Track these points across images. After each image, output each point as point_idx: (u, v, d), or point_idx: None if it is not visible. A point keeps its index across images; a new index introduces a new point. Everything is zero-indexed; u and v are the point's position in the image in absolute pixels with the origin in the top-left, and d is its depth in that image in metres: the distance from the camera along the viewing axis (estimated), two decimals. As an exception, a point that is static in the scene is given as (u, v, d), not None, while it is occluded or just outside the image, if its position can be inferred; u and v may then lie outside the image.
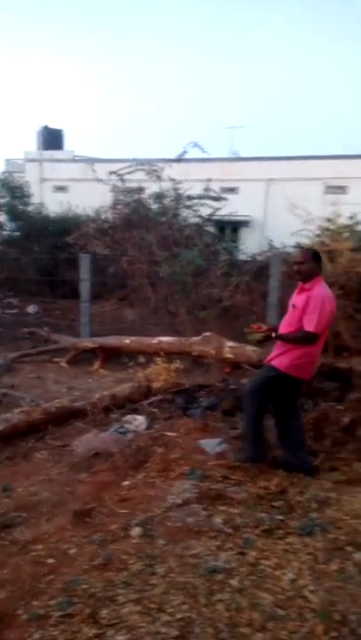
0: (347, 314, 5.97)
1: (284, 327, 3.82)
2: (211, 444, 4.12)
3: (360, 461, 3.78)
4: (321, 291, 3.69)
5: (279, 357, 3.74)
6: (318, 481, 3.60)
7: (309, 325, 3.59)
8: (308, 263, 3.73)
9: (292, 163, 15.27)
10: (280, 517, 3.07)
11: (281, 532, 2.94)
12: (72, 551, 2.83)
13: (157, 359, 5.86)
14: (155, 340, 6.72)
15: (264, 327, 3.90)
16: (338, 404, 4.30)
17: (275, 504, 3.26)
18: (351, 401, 4.24)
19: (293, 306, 3.75)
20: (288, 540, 2.86)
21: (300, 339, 3.64)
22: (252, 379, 4.01)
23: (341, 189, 13.98)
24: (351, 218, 9.37)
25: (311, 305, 3.61)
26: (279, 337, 3.76)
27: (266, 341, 3.96)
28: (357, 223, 9.44)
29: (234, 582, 2.52)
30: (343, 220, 9.12)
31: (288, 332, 3.74)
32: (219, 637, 2.19)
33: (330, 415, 4.17)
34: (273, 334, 3.80)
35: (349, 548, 2.77)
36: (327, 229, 8.95)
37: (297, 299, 3.76)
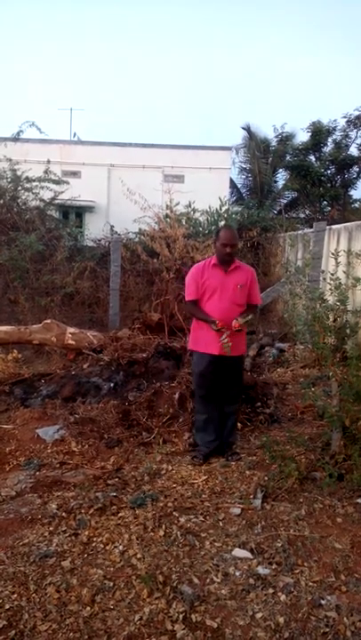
0: (181, 296, 6.30)
1: (232, 308, 3.59)
2: (49, 432, 4.07)
3: (190, 432, 4.05)
4: (247, 265, 3.91)
5: (239, 346, 3.69)
6: (152, 454, 3.80)
7: (257, 298, 3.78)
8: (238, 243, 3.78)
9: (132, 149, 15.46)
10: (114, 494, 3.18)
11: (114, 507, 3.05)
12: None
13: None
14: (-10, 331, 6.34)
15: (226, 328, 3.48)
16: (172, 381, 4.54)
17: (110, 482, 3.36)
18: (181, 376, 4.49)
19: (241, 286, 3.61)
20: (120, 514, 2.98)
21: (255, 312, 3.71)
22: (235, 380, 3.77)
23: (179, 178, 14.57)
24: (188, 206, 9.88)
25: (254, 279, 3.73)
26: (246, 321, 3.54)
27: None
28: (194, 210, 10.00)
29: (66, 563, 2.57)
30: (180, 208, 9.57)
31: (240, 311, 3.61)
32: (48, 619, 2.23)
33: (163, 392, 4.38)
34: (238, 323, 3.49)
35: (176, 514, 2.98)
36: (166, 216, 9.31)
37: (238, 277, 3.63)
